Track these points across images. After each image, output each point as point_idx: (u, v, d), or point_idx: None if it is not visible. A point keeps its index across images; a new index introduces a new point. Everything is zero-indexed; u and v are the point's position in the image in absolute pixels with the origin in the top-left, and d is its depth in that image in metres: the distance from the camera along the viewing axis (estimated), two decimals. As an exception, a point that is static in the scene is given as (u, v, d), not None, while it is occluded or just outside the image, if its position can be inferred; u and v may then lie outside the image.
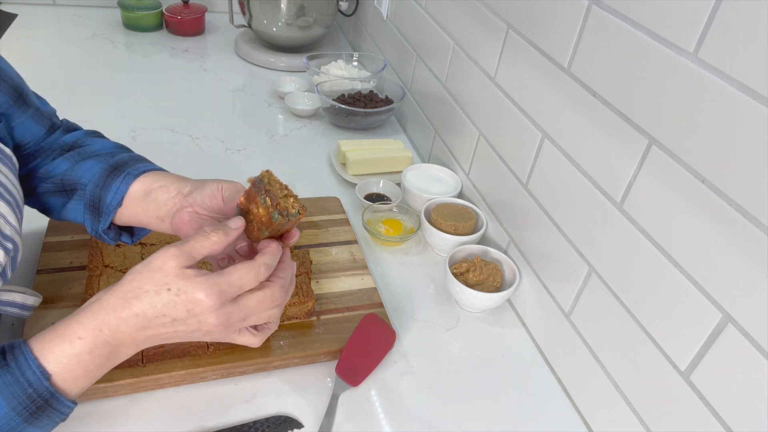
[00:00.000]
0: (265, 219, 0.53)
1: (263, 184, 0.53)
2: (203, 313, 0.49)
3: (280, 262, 0.55)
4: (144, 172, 0.63)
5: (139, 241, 0.83)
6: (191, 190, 0.60)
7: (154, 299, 0.48)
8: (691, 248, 0.56)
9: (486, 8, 0.91)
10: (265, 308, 0.53)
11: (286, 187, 0.55)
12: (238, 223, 0.53)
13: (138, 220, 0.64)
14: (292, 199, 0.53)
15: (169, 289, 0.48)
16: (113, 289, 0.50)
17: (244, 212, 0.56)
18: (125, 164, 0.64)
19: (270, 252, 0.53)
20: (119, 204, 0.62)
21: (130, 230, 0.69)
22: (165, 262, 0.48)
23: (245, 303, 0.51)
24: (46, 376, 0.47)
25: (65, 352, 0.48)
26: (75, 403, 0.50)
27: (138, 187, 0.62)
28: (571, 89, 0.71)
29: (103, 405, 0.65)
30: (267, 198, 0.52)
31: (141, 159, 0.67)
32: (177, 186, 0.61)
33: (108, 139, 0.71)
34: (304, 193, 1.06)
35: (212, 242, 0.50)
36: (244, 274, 0.50)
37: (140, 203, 0.62)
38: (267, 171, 0.54)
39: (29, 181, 0.66)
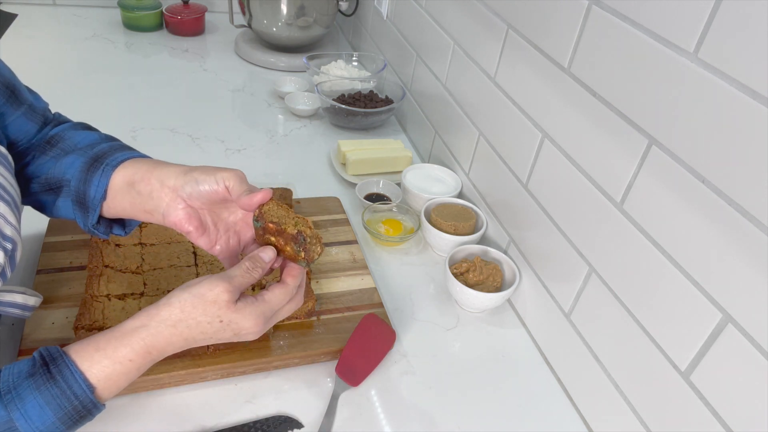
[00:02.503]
0: (291, 255, 0.59)
1: (304, 240, 0.58)
2: (247, 334, 0.56)
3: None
4: (122, 161, 0.61)
5: (139, 241, 0.83)
6: (177, 184, 0.59)
7: (206, 328, 0.54)
8: (691, 248, 0.56)
9: (486, 8, 0.91)
10: (291, 312, 0.60)
11: (315, 234, 0.59)
12: (270, 255, 0.59)
13: (126, 213, 0.62)
14: (319, 249, 0.59)
15: (221, 321, 0.54)
16: (161, 314, 0.54)
17: (263, 239, 0.61)
18: (104, 155, 0.62)
19: (297, 274, 0.59)
20: (103, 197, 0.61)
21: (121, 222, 0.67)
22: (219, 296, 0.54)
23: (278, 315, 0.59)
24: (91, 389, 0.51)
25: (115, 371, 0.52)
26: (105, 406, 0.54)
27: (119, 178, 0.60)
28: (571, 89, 0.71)
29: (103, 405, 0.65)
30: (302, 251, 0.58)
31: (121, 148, 0.65)
32: (158, 178, 0.59)
33: (96, 130, 0.69)
34: (304, 193, 1.06)
35: (254, 277, 0.57)
36: (282, 299, 0.58)
37: (126, 196, 0.61)
38: (310, 230, 0.58)
39: (22, 180, 0.65)
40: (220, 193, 0.58)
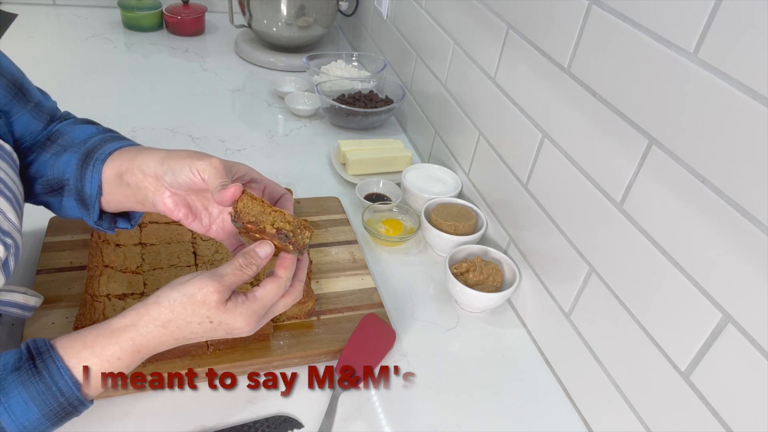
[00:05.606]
0: (281, 246, 0.57)
1: (286, 236, 0.55)
2: (241, 332, 0.55)
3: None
4: (110, 153, 0.60)
5: (139, 241, 0.83)
6: (158, 173, 0.57)
7: (196, 328, 0.53)
8: (691, 248, 0.56)
9: (486, 8, 0.91)
10: (288, 307, 0.59)
11: (298, 222, 0.56)
12: (267, 251, 0.57)
13: (123, 205, 0.61)
14: (308, 233, 0.57)
15: (211, 322, 0.53)
16: (150, 314, 0.53)
17: (246, 236, 0.58)
18: (95, 149, 0.61)
19: (289, 265, 0.57)
20: (99, 192, 0.60)
21: (126, 215, 0.66)
22: (207, 296, 0.52)
23: (273, 311, 0.57)
24: (78, 386, 0.50)
25: (103, 369, 0.51)
26: (92, 402, 0.53)
27: (109, 172, 0.59)
28: (571, 89, 0.71)
29: (104, 404, 0.65)
30: (288, 244, 0.55)
31: (111, 139, 0.63)
32: (139, 167, 0.58)
33: (96, 124, 0.68)
34: (304, 193, 1.06)
35: (248, 275, 0.55)
36: (274, 293, 0.56)
37: (118, 189, 0.60)
38: (289, 224, 0.56)
39: (27, 179, 0.64)
40: (198, 183, 0.57)
